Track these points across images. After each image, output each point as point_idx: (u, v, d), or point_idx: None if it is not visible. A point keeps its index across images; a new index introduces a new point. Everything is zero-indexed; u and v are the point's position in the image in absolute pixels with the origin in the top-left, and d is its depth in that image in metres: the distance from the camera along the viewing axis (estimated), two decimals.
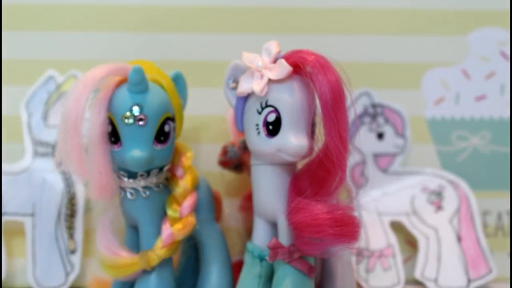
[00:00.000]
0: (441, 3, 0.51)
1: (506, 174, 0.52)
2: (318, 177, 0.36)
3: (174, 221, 0.39)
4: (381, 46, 0.51)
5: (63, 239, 0.48)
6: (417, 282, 0.50)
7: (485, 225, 0.51)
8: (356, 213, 0.36)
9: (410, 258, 0.51)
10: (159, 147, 0.38)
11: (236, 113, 0.38)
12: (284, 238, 0.37)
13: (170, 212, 0.40)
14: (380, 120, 0.51)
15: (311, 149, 0.36)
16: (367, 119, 0.51)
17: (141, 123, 0.37)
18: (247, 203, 0.45)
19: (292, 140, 0.35)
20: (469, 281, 0.49)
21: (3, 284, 0.48)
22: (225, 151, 0.44)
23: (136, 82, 0.37)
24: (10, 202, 0.48)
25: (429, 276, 0.49)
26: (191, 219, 0.40)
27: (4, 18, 0.50)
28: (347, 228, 0.35)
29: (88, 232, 0.49)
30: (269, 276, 0.38)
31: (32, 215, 0.48)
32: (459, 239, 0.50)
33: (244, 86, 0.37)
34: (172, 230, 0.39)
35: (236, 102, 0.38)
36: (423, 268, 0.50)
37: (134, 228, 0.41)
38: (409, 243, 0.51)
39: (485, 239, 0.50)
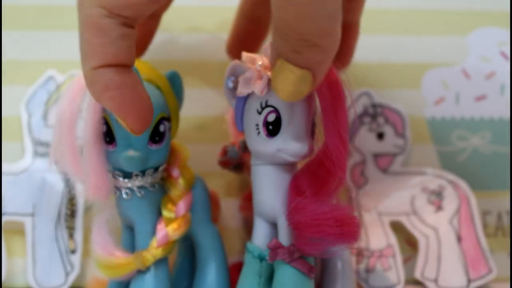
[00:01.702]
0: (441, 3, 0.51)
1: (506, 174, 0.52)
2: (318, 177, 0.36)
3: (169, 221, 0.39)
4: (381, 46, 0.51)
5: (63, 239, 0.48)
6: (417, 282, 0.50)
7: (485, 225, 0.51)
8: (356, 213, 0.36)
9: (410, 258, 0.51)
10: (154, 147, 0.38)
11: (236, 113, 0.38)
12: (284, 238, 0.37)
13: (165, 212, 0.40)
14: (380, 120, 0.51)
15: (311, 149, 0.36)
16: (367, 119, 0.51)
17: None
18: (247, 204, 0.45)
19: (292, 141, 0.35)
20: (469, 281, 0.49)
21: (3, 284, 0.48)
22: (225, 151, 0.44)
23: None
24: (10, 202, 0.48)
25: (429, 276, 0.49)
26: (187, 219, 0.40)
27: (4, 18, 0.50)
28: (347, 228, 0.35)
29: (88, 232, 0.48)
30: (269, 276, 0.38)
31: (32, 215, 0.48)
32: (459, 239, 0.50)
33: (244, 86, 0.37)
34: (167, 230, 0.39)
35: (236, 102, 0.38)
36: (423, 268, 0.50)
37: (130, 228, 0.41)
38: (409, 243, 0.51)
39: (485, 239, 0.50)
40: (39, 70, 0.50)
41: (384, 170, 0.51)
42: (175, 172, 0.41)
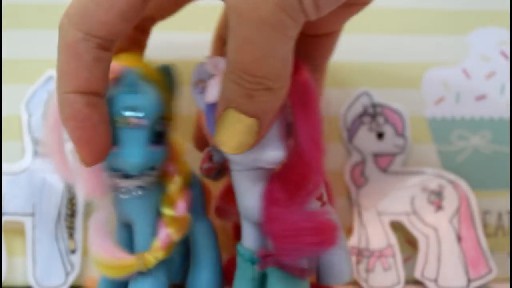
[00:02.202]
0: (441, 3, 0.51)
1: (506, 174, 0.52)
2: (291, 182, 0.34)
3: (170, 221, 0.39)
4: (381, 46, 0.51)
5: (63, 239, 0.48)
6: (417, 282, 0.50)
7: (485, 225, 0.51)
8: (331, 216, 0.35)
9: (410, 258, 0.51)
10: (154, 148, 0.38)
11: (207, 120, 0.35)
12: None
13: (165, 212, 0.39)
14: (380, 120, 0.51)
15: None
16: (367, 119, 0.51)
17: (135, 122, 0.37)
18: (224, 204, 0.44)
19: (268, 149, 0.34)
20: (469, 281, 0.49)
21: (3, 284, 0.48)
22: (209, 156, 0.40)
23: (130, 84, 0.37)
24: (10, 202, 0.48)
25: (429, 276, 0.49)
26: (187, 218, 0.40)
27: (4, 18, 0.50)
28: (325, 235, 0.34)
29: (88, 232, 0.49)
30: (263, 277, 0.38)
31: (32, 215, 0.48)
32: (459, 239, 0.50)
33: (213, 93, 0.34)
34: (169, 231, 0.39)
35: (207, 109, 0.35)
36: (423, 268, 0.50)
37: (126, 226, 0.41)
38: (409, 243, 0.51)
39: (485, 239, 0.50)
40: (39, 70, 0.50)
41: (384, 170, 0.51)
42: (171, 168, 0.40)
